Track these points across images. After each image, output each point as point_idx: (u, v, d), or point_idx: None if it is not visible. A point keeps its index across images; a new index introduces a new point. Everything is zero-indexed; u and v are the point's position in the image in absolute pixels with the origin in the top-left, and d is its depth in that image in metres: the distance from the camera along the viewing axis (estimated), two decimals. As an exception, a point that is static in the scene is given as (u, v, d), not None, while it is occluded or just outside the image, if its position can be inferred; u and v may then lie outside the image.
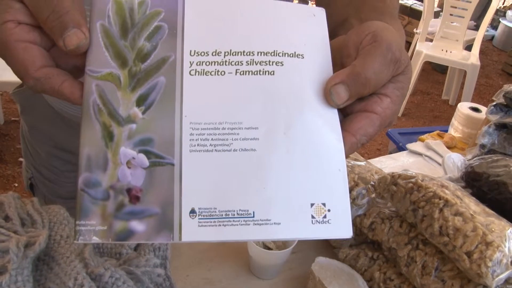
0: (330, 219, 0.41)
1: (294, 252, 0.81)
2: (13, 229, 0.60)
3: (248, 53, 0.44)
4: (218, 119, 0.42)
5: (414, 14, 5.11)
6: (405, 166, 1.28)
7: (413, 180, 0.73)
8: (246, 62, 0.44)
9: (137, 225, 0.39)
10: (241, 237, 0.40)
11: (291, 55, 0.45)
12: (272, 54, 0.44)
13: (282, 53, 0.44)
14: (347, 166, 0.44)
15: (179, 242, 0.40)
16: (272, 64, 0.44)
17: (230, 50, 0.44)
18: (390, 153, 1.74)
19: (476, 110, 1.45)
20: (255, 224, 0.40)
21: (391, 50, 0.43)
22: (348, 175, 0.43)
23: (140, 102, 0.41)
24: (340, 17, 0.58)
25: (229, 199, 0.40)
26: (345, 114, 0.46)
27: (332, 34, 0.48)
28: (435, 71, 4.89)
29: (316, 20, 0.47)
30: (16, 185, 2.49)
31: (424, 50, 3.65)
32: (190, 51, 0.43)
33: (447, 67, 4.08)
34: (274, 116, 0.43)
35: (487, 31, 4.25)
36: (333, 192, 0.42)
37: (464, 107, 1.46)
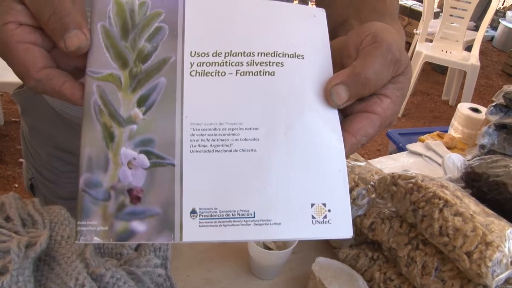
0: (330, 219, 0.41)
1: (294, 252, 0.81)
2: (14, 229, 0.60)
3: (248, 54, 0.44)
4: (219, 119, 0.42)
5: (414, 15, 5.11)
6: (405, 167, 1.28)
7: (413, 180, 0.73)
8: (247, 62, 0.44)
9: (138, 226, 0.39)
10: (242, 237, 0.40)
11: (291, 56, 0.45)
12: (272, 54, 0.44)
13: (282, 54, 0.45)
14: (347, 166, 0.44)
15: (180, 242, 0.40)
16: (272, 65, 0.44)
17: (231, 51, 0.44)
18: (390, 153, 1.74)
19: (476, 110, 1.45)
20: (256, 224, 0.40)
21: (391, 50, 0.43)
22: (348, 176, 0.43)
23: (140, 102, 0.42)
24: (340, 18, 0.58)
25: (230, 199, 0.41)
26: (345, 115, 0.46)
27: (332, 35, 0.48)
28: (435, 71, 4.89)
29: (316, 20, 0.48)
30: (17, 185, 2.49)
31: (424, 50, 3.65)
32: (191, 52, 0.43)
33: (447, 67, 4.08)
34: (274, 116, 0.43)
35: (486, 31, 4.24)
36: (334, 193, 0.42)
37: (464, 108, 1.46)
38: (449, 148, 1.39)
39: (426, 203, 0.69)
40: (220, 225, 0.40)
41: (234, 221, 0.40)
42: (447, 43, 3.76)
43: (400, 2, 0.69)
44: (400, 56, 0.44)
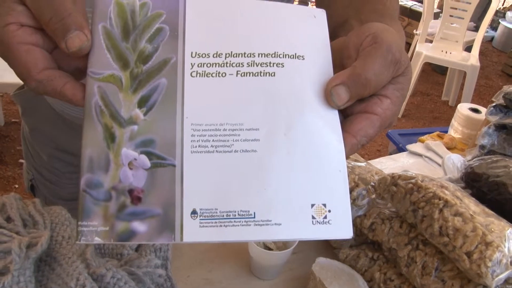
0: (330, 220, 0.41)
1: (294, 252, 0.81)
2: (15, 230, 0.60)
3: (248, 55, 0.44)
4: (219, 120, 0.42)
5: (413, 15, 5.11)
6: (405, 167, 1.28)
7: (413, 180, 0.73)
8: (247, 63, 0.44)
9: (139, 226, 0.39)
10: (242, 237, 0.40)
11: (292, 57, 0.45)
12: (273, 55, 0.44)
13: (283, 55, 0.45)
14: (348, 167, 0.44)
15: (180, 243, 0.40)
16: (273, 66, 0.44)
17: (231, 52, 0.44)
18: (390, 154, 1.74)
19: (475, 111, 1.45)
20: (256, 224, 0.40)
21: (391, 51, 0.43)
22: (348, 176, 0.44)
23: (141, 103, 0.42)
24: (340, 19, 0.58)
25: (230, 200, 0.41)
26: (345, 115, 0.46)
27: (332, 36, 0.48)
28: (435, 72, 4.89)
29: (317, 21, 0.48)
30: (17, 186, 2.49)
31: (424, 51, 3.65)
32: (191, 52, 0.43)
33: (447, 68, 4.08)
34: (274, 117, 0.43)
35: (486, 32, 4.24)
36: (334, 193, 0.42)
37: (463, 108, 1.47)
38: (449, 148, 1.40)
39: (426, 203, 0.69)
40: (221, 226, 0.40)
41: (234, 221, 0.40)
42: (447, 43, 3.77)
43: (400, 3, 0.69)
44: (400, 57, 0.44)
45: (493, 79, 5.05)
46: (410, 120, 3.93)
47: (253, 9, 0.46)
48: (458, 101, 3.87)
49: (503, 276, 0.62)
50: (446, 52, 3.72)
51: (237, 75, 0.43)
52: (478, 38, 3.75)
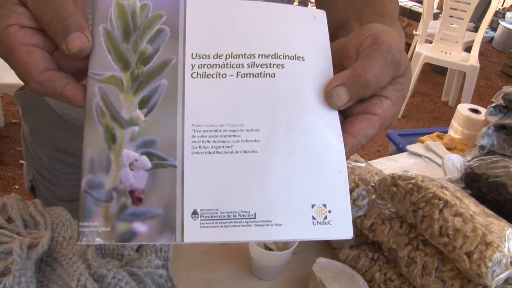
0: (330, 220, 0.41)
1: (295, 253, 0.81)
2: (16, 230, 0.60)
3: (249, 56, 0.44)
4: (220, 121, 0.42)
5: (413, 16, 5.11)
6: (405, 167, 1.28)
7: (413, 181, 0.73)
8: (247, 64, 0.44)
9: (140, 227, 0.40)
10: (243, 238, 0.40)
11: (292, 58, 0.45)
12: (273, 56, 0.45)
13: (283, 56, 0.45)
14: (348, 167, 0.44)
15: (181, 243, 0.40)
16: (273, 67, 0.44)
17: (232, 53, 0.44)
18: (390, 154, 1.74)
19: (475, 111, 1.45)
20: (257, 225, 0.40)
21: (391, 52, 0.44)
22: (348, 176, 0.44)
23: (142, 104, 0.42)
24: (340, 20, 0.58)
25: (231, 200, 0.41)
26: (345, 116, 0.46)
27: (333, 36, 0.48)
28: (435, 72, 4.89)
29: (317, 22, 0.48)
30: (17, 187, 2.49)
31: (423, 51, 3.66)
32: (192, 54, 0.44)
33: (446, 68, 4.08)
34: (275, 118, 0.43)
35: (486, 32, 4.25)
36: (334, 193, 0.42)
37: (463, 109, 1.47)
38: (449, 149, 1.40)
39: (426, 203, 0.70)
40: (221, 226, 0.40)
41: (235, 222, 0.40)
42: (447, 44, 3.77)
43: (399, 3, 0.69)
44: (400, 58, 0.44)
45: (493, 80, 5.05)
46: (410, 120, 3.93)
47: (253, 10, 0.46)
48: (458, 101, 3.87)
49: (503, 276, 0.62)
50: (445, 53, 3.72)
51: (237, 76, 0.44)
52: (478, 38, 3.75)
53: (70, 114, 0.83)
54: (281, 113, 0.43)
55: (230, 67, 0.44)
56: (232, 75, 0.44)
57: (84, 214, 0.39)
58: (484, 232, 0.63)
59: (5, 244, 0.56)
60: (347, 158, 0.44)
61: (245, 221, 0.40)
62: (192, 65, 0.43)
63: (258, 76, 0.44)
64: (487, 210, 0.72)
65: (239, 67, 0.44)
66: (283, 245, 0.80)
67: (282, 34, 0.46)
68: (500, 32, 5.98)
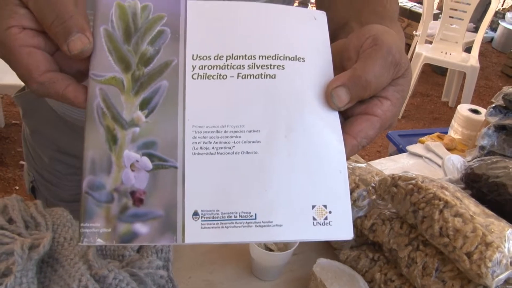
0: (331, 221, 0.42)
1: (295, 253, 0.81)
2: (17, 231, 0.60)
3: (249, 57, 0.44)
4: (220, 122, 0.42)
5: (413, 17, 5.11)
6: (405, 168, 1.28)
7: (413, 181, 0.73)
8: (248, 66, 0.44)
9: (141, 227, 0.40)
10: (244, 238, 0.41)
11: (292, 59, 0.45)
12: (273, 57, 0.45)
13: (283, 57, 0.45)
14: (348, 168, 0.44)
15: (182, 244, 0.40)
16: (273, 68, 0.44)
17: (232, 54, 0.44)
18: (390, 155, 1.74)
19: (475, 112, 1.45)
20: (257, 226, 0.41)
21: (392, 53, 0.44)
22: (349, 177, 0.44)
23: (143, 105, 0.42)
24: (340, 21, 0.58)
25: (232, 201, 0.41)
26: (345, 117, 0.46)
27: (333, 37, 0.48)
28: (435, 73, 4.89)
29: (317, 23, 0.48)
30: (17, 188, 2.50)
31: (423, 52, 3.66)
32: (193, 55, 0.44)
33: (446, 69, 4.08)
34: (275, 119, 0.43)
35: (486, 33, 4.25)
36: (334, 194, 0.42)
37: (463, 109, 1.47)
38: (449, 149, 1.40)
39: (426, 204, 0.70)
40: (222, 227, 0.40)
41: (236, 222, 0.40)
42: (447, 44, 3.77)
43: (399, 4, 0.69)
44: (400, 59, 0.44)
45: (493, 80, 5.05)
46: (410, 121, 3.93)
47: (254, 12, 0.46)
48: (458, 102, 3.87)
49: (503, 276, 0.62)
50: (445, 53, 3.72)
51: (238, 77, 0.44)
52: (478, 39, 3.75)
53: (71, 115, 0.83)
54: (282, 114, 0.43)
55: (230, 68, 0.44)
56: (233, 76, 0.44)
57: (85, 215, 0.39)
58: (484, 232, 0.63)
59: (7, 245, 0.56)
60: (348, 159, 0.44)
61: (246, 222, 0.40)
62: (192, 66, 0.43)
63: (258, 77, 0.44)
64: (487, 210, 0.72)
65: (240, 68, 0.44)
66: (283, 246, 0.80)
67: (282, 35, 0.46)
68: (500, 32, 5.98)
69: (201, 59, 0.44)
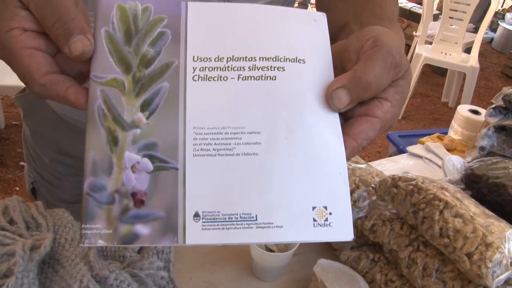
0: (331, 222, 0.42)
1: (296, 254, 0.81)
2: (18, 232, 0.60)
3: (250, 59, 0.44)
4: (221, 123, 0.42)
5: (413, 17, 5.11)
6: (406, 169, 1.28)
7: (413, 182, 0.74)
8: (248, 67, 0.44)
9: (142, 229, 0.40)
10: (244, 240, 0.41)
11: (293, 60, 0.45)
12: (274, 59, 0.45)
13: (284, 58, 0.45)
14: (348, 169, 0.44)
15: (183, 245, 0.40)
16: (274, 69, 0.44)
17: (233, 56, 0.44)
18: (391, 155, 1.74)
19: (475, 112, 1.45)
20: (258, 227, 0.41)
21: (392, 54, 0.44)
22: (349, 178, 0.44)
23: (144, 107, 0.42)
24: (340, 22, 0.58)
25: (232, 202, 0.41)
26: (346, 118, 0.46)
27: (333, 39, 0.48)
28: (435, 73, 4.89)
29: (317, 25, 0.48)
30: (18, 189, 2.49)
31: (423, 52, 3.66)
32: (193, 56, 0.44)
33: (446, 69, 4.08)
34: (276, 120, 0.43)
35: (486, 33, 4.25)
36: (335, 195, 0.42)
37: (463, 110, 1.47)
38: (449, 150, 1.40)
39: (427, 205, 0.70)
40: (223, 228, 0.40)
41: (236, 224, 0.40)
42: (447, 45, 3.77)
43: (399, 5, 0.69)
44: (400, 60, 0.44)
45: (493, 81, 5.05)
46: (410, 121, 3.93)
47: (254, 13, 0.46)
48: (458, 102, 3.87)
49: (503, 277, 0.62)
50: (445, 54, 3.72)
51: (238, 79, 0.44)
52: (478, 39, 3.75)
53: (72, 116, 0.83)
54: (282, 115, 0.43)
55: (231, 70, 0.44)
56: (233, 78, 0.44)
57: (87, 216, 0.40)
58: (485, 233, 0.63)
59: (8, 245, 0.56)
60: (348, 160, 0.44)
61: (247, 223, 0.41)
62: (193, 68, 0.43)
63: (259, 79, 0.44)
64: (487, 211, 0.72)
65: (240, 70, 0.44)
66: (284, 247, 0.80)
67: (282, 36, 0.46)
68: (500, 33, 5.98)
69: (201, 60, 0.44)
